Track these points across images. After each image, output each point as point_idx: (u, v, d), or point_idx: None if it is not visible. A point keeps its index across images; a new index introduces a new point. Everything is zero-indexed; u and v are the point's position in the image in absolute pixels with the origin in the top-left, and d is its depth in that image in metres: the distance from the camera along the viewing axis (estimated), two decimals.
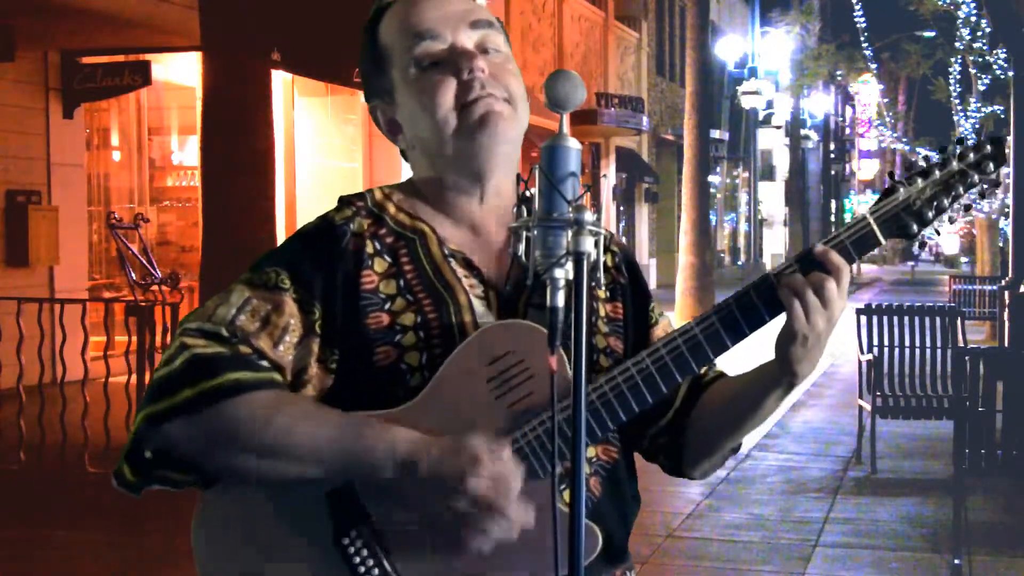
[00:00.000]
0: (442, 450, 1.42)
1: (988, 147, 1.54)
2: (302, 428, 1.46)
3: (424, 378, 1.51)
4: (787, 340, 1.50)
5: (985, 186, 1.54)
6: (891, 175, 1.56)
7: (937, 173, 1.53)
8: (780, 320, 1.53)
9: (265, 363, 1.51)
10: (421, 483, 1.42)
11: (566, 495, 1.51)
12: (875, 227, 1.51)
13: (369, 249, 1.59)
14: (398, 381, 1.53)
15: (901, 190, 1.53)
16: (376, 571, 1.47)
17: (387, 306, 1.56)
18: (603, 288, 1.68)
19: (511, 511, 1.42)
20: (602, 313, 1.66)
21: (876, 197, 1.58)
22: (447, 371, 1.50)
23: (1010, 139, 9.93)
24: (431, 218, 1.63)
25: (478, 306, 1.57)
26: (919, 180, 1.53)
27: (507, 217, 1.64)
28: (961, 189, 1.53)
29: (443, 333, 1.54)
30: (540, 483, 1.47)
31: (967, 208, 1.56)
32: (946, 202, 1.52)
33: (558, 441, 1.36)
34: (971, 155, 1.53)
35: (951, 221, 1.55)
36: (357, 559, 1.47)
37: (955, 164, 1.53)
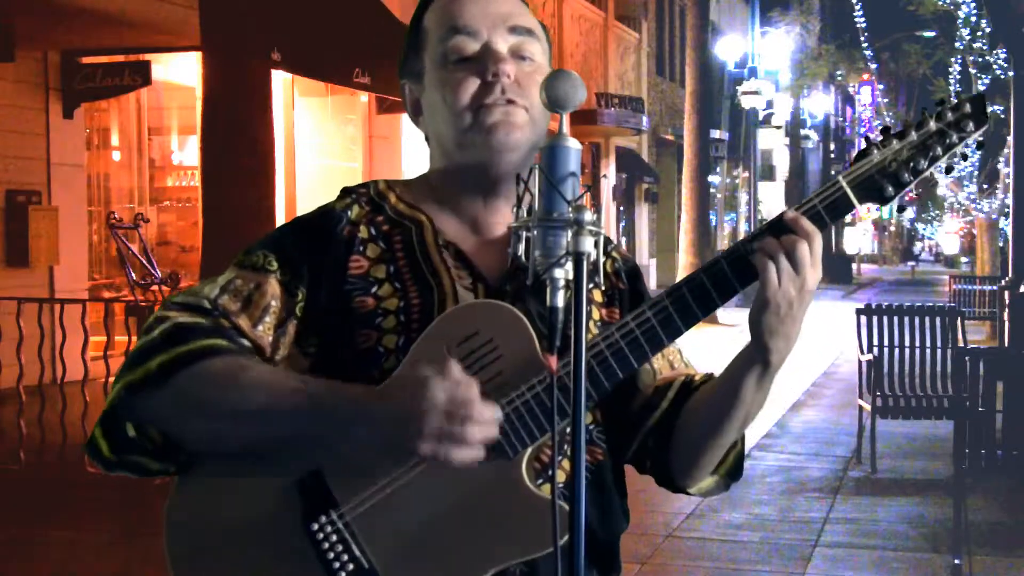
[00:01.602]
0: (394, 382, 1.43)
1: (967, 106, 1.49)
2: (269, 385, 1.46)
3: (399, 361, 1.51)
4: (759, 309, 1.47)
5: (967, 147, 1.49)
6: (867, 138, 1.51)
7: (914, 134, 1.48)
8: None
9: (244, 341, 1.53)
10: (387, 422, 1.39)
11: (543, 491, 1.50)
12: (848, 190, 1.47)
13: (363, 235, 1.61)
14: (374, 363, 1.53)
15: (876, 152, 1.48)
16: (345, 556, 1.47)
17: (373, 290, 1.57)
18: (600, 289, 1.67)
19: (481, 410, 1.37)
20: (596, 317, 1.65)
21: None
22: (417, 353, 1.49)
23: (1010, 139, 9.93)
24: (433, 210, 1.65)
25: (464, 295, 1.57)
26: (895, 142, 1.49)
27: (510, 219, 1.64)
28: (939, 150, 1.48)
29: (423, 318, 1.54)
30: (508, 464, 1.46)
31: (948, 170, 1.52)
32: (923, 164, 1.48)
33: (556, 436, 1.34)
34: (949, 115, 1.49)
35: (947, 171, 1.51)
36: (326, 544, 1.47)
37: (932, 124, 1.48)
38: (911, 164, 1.48)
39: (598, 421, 1.63)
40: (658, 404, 1.66)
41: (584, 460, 1.25)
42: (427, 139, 1.72)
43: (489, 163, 1.59)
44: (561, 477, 1.47)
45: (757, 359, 1.52)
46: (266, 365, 1.52)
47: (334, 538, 1.47)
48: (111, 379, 7.25)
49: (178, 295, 1.58)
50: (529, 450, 1.48)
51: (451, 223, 1.64)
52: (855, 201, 1.47)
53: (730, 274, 1.48)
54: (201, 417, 1.48)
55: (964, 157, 1.53)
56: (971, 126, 1.48)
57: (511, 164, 1.59)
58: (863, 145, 1.51)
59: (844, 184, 1.48)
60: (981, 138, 1.50)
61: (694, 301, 1.48)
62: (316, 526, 1.47)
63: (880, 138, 1.50)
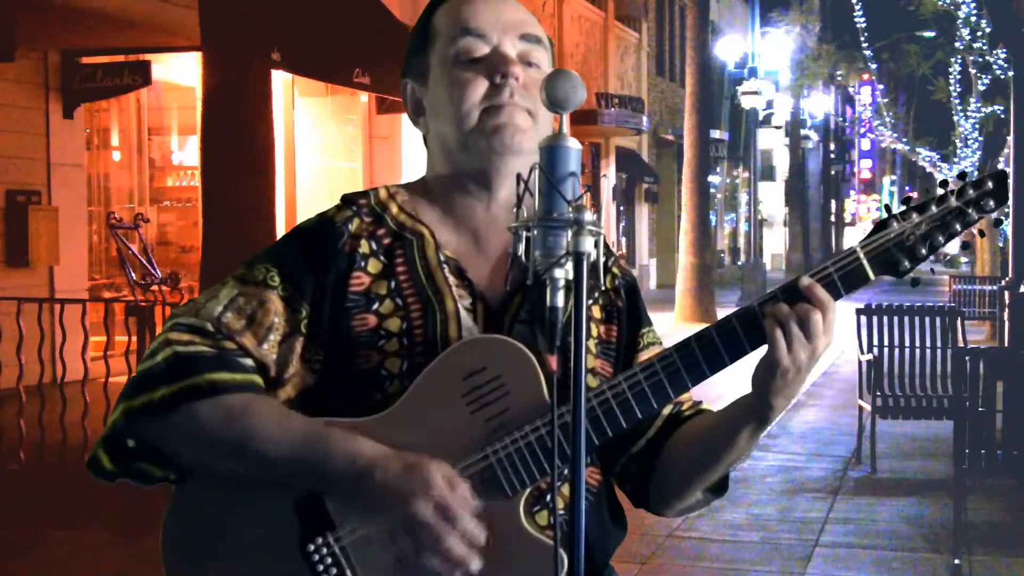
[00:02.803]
0: (398, 467, 1.42)
1: (990, 184, 1.48)
2: (267, 434, 1.47)
3: (403, 385, 1.51)
4: (767, 371, 1.46)
5: (988, 219, 1.49)
6: (887, 207, 1.51)
7: (934, 208, 1.48)
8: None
9: (248, 361, 1.52)
10: (373, 497, 1.42)
11: (539, 518, 1.50)
12: (865, 262, 1.47)
13: (364, 249, 1.59)
14: (377, 386, 1.52)
15: (895, 224, 1.48)
16: None
17: (374, 306, 1.56)
18: (599, 304, 1.67)
19: (453, 545, 1.39)
20: (595, 334, 1.65)
21: (872, 222, 1.53)
22: (422, 384, 1.49)
23: (1010, 139, 9.92)
24: (433, 221, 1.63)
25: (465, 318, 1.56)
26: (914, 215, 1.48)
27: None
28: (958, 227, 1.47)
29: (426, 342, 1.54)
30: (507, 503, 1.46)
31: (965, 246, 1.51)
32: (941, 239, 1.47)
33: (557, 448, 1.35)
34: (971, 192, 1.48)
35: (964, 247, 1.51)
36: (321, 567, 1.47)
37: (953, 201, 1.48)
38: (928, 240, 1.47)
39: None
40: (643, 432, 1.66)
41: (584, 502, 1.24)
42: (425, 140, 1.70)
43: (491, 166, 1.59)
44: (560, 506, 1.47)
45: (756, 413, 1.52)
46: (267, 402, 1.52)
47: (328, 561, 1.47)
48: (111, 379, 7.22)
49: (181, 312, 1.56)
50: (528, 490, 1.48)
51: (452, 236, 1.63)
52: (871, 273, 1.47)
53: (741, 335, 1.47)
54: (198, 453, 1.50)
55: (982, 234, 1.52)
56: (991, 204, 1.47)
57: (512, 168, 1.58)
58: (883, 214, 1.50)
59: (861, 255, 1.47)
60: (1002, 219, 1.50)
61: (703, 358, 1.48)
62: (312, 547, 1.47)
63: (901, 209, 1.49)
